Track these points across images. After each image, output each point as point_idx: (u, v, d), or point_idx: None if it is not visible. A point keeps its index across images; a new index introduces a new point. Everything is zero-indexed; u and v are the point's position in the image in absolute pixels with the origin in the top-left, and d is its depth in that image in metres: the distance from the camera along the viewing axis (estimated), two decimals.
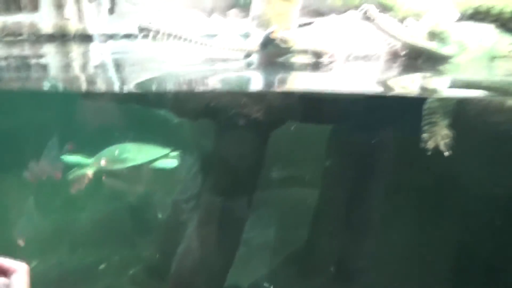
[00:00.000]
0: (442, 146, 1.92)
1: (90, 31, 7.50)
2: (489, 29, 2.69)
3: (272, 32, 1.88)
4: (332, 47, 2.14)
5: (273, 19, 2.74)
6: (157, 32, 1.63)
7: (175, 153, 3.06)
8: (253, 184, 2.55)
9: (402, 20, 2.91)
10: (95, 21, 7.60)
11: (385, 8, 2.95)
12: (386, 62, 2.48)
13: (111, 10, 8.27)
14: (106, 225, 3.59)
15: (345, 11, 3.07)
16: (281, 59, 2.01)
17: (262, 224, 3.24)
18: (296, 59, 2.03)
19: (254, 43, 1.93)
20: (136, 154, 3.05)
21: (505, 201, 1.65)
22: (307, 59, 2.06)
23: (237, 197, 2.60)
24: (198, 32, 1.81)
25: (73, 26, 7.38)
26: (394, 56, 2.56)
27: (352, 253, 2.82)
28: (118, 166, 3.08)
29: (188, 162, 2.98)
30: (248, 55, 1.99)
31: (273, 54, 1.97)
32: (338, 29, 2.37)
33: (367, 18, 1.98)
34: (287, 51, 1.97)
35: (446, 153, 1.88)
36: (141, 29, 1.61)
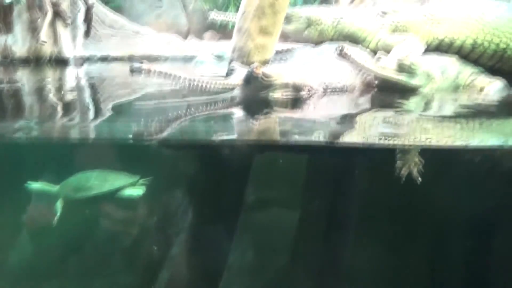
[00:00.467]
0: (414, 173, 2.05)
1: (65, 54, 7.43)
2: (452, 61, 2.91)
3: (255, 68, 1.99)
4: (311, 80, 2.26)
5: (253, 51, 2.87)
6: (149, 72, 1.70)
7: (142, 181, 3.02)
8: (236, 210, 2.61)
9: (373, 51, 3.11)
10: (71, 44, 7.55)
11: (357, 40, 3.15)
12: (360, 93, 2.63)
13: (87, 33, 8.24)
14: (76, 256, 3.48)
15: (320, 42, 3.25)
16: (263, 93, 2.11)
17: (243, 248, 3.27)
18: (278, 94, 2.13)
19: (237, 78, 2.02)
20: (102, 182, 2.99)
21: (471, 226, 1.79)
22: (288, 93, 2.17)
23: (221, 224, 2.65)
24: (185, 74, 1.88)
25: (48, 50, 7.29)
26: (368, 86, 2.73)
27: (331, 276, 2.89)
28: (83, 194, 3.02)
29: (175, 195, 3.00)
30: (232, 90, 2.08)
31: (256, 89, 2.07)
32: (316, 62, 2.51)
33: (342, 56, 2.12)
34: (269, 86, 2.08)
35: (419, 180, 2.01)
36: (133, 70, 1.67)
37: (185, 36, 11.12)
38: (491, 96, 2.73)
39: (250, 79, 2.01)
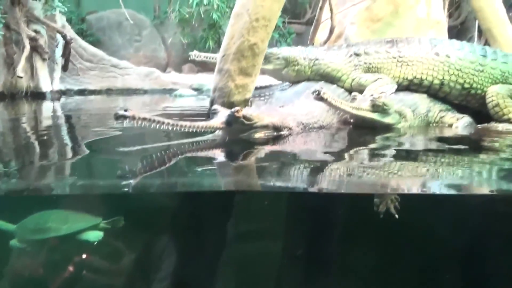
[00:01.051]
0: (392, 209, 2.12)
1: (42, 88, 7.35)
2: (423, 99, 3.08)
3: (236, 111, 2.05)
4: (290, 120, 2.34)
5: (234, 91, 2.96)
6: (133, 118, 1.73)
7: (105, 224, 2.87)
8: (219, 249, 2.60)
9: (348, 90, 3.26)
10: (48, 78, 7.49)
11: (332, 79, 3.30)
12: (337, 130, 2.74)
13: (65, 67, 8.19)
14: None
15: (298, 81, 3.38)
16: (244, 135, 2.16)
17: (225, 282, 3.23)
18: (259, 134, 2.20)
19: (219, 121, 2.08)
20: (61, 223, 2.82)
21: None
22: (269, 133, 2.24)
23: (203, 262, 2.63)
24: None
25: (24, 84, 7.20)
26: (344, 124, 2.84)
27: None
28: (40, 236, 2.84)
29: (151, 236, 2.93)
30: (214, 132, 2.13)
31: (238, 131, 2.13)
32: (295, 102, 2.61)
33: (319, 99, 2.22)
34: (250, 128, 2.14)
35: (396, 216, 2.08)
36: (117, 117, 1.70)
37: (164, 69, 11.26)
38: (459, 131, 2.89)
39: (232, 122, 2.07)
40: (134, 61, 9.61)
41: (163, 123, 1.83)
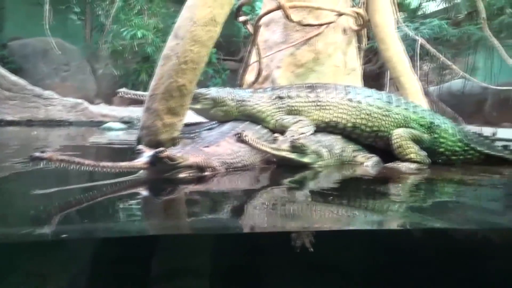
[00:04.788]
0: (307, 244, 2.28)
1: None
2: (338, 140, 3.39)
3: (160, 152, 2.10)
4: (214, 161, 2.44)
5: (161, 130, 3.01)
6: (50, 160, 1.70)
7: None
8: None
9: (272, 130, 3.47)
10: None
11: (257, 120, 3.50)
12: (261, 170, 2.89)
13: None
14: None
15: (226, 121, 3.53)
16: (168, 174, 2.21)
17: None
18: (183, 174, 2.26)
19: (143, 161, 2.11)
20: None
21: None
22: (193, 173, 2.31)
23: None
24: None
25: None
26: (268, 163, 3.01)
27: None
28: None
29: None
30: (137, 172, 2.15)
31: (162, 170, 2.17)
32: (220, 142, 2.72)
33: (241, 141, 2.36)
34: (174, 168, 2.20)
35: (311, 250, 2.23)
36: (33, 159, 1.66)
37: (93, 100, 10.88)
38: (369, 169, 3.21)
39: (156, 162, 2.11)
40: (60, 91, 9.18)
41: (83, 164, 1.82)
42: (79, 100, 8.86)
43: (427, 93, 10.71)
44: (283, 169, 2.91)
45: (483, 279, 1.87)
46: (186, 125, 3.59)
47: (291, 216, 1.89)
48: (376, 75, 11.55)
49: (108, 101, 11.26)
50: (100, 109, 9.34)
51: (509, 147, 3.81)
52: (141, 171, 2.15)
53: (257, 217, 1.85)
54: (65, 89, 10.39)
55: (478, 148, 3.57)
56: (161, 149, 2.10)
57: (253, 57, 4.78)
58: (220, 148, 2.60)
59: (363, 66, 6.05)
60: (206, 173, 2.37)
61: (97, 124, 8.10)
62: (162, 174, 2.18)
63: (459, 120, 10.35)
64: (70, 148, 4.22)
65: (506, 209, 2.32)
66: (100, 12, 11.70)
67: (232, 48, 14.08)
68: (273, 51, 4.68)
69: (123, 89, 3.47)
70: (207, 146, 2.57)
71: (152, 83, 3.05)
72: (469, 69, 14.07)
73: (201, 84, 3.63)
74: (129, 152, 3.38)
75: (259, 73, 4.64)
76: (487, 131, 8.29)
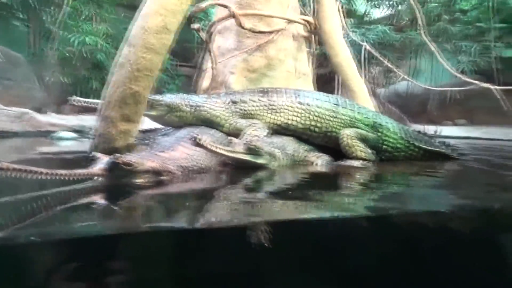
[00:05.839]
0: (262, 240, 2.40)
1: None
2: (290, 141, 3.56)
3: (116, 159, 2.14)
4: (170, 165, 2.51)
5: (116, 137, 3.02)
6: (6, 170, 1.68)
7: None
8: None
9: (227, 133, 3.58)
10: None
11: (212, 124, 3.60)
12: (218, 172, 2.98)
13: None
14: None
15: (181, 126, 3.59)
16: (125, 180, 2.25)
17: None
18: (139, 180, 2.30)
19: (98, 168, 2.13)
20: None
21: None
22: (150, 178, 2.36)
23: None
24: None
25: None
26: (224, 166, 3.11)
27: None
28: None
29: None
30: (92, 179, 2.16)
31: (118, 176, 2.20)
32: (176, 147, 2.79)
33: (197, 144, 2.45)
34: (130, 173, 2.24)
35: (267, 245, 2.35)
36: None
37: (41, 109, 10.38)
38: (318, 168, 3.40)
39: (112, 168, 2.14)
40: (4, 101, 8.72)
41: (39, 173, 1.82)
42: (25, 110, 8.45)
43: (375, 95, 11.34)
44: (239, 171, 3.02)
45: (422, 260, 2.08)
46: (142, 131, 3.61)
47: (243, 211, 1.99)
48: (327, 78, 12.03)
49: (58, 110, 10.81)
50: (49, 118, 8.96)
51: (447, 143, 4.17)
52: (98, 178, 2.17)
53: (214, 213, 1.93)
54: (10, 99, 9.85)
55: (418, 145, 3.89)
56: (117, 155, 2.14)
57: (208, 63, 4.87)
58: (175, 152, 2.66)
59: (315, 70, 6.34)
60: (163, 177, 2.42)
61: (45, 134, 7.77)
62: (119, 180, 2.22)
63: (404, 120, 11.02)
64: (20, 160, 4.07)
65: (435, 196, 2.59)
66: (46, 18, 11.25)
67: (186, 54, 14.05)
68: (227, 57, 4.80)
69: (75, 97, 3.43)
70: (163, 151, 2.62)
71: (107, 90, 3.05)
72: (412, 71, 15.04)
73: (157, 90, 3.67)
74: (83, 161, 3.35)
75: (213, 79, 4.74)
76: (430, 129, 8.94)
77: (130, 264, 1.71)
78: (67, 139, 7.06)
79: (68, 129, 8.15)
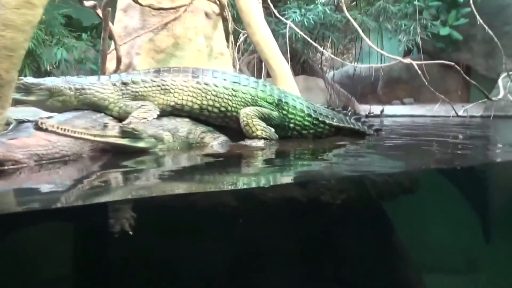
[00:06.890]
0: (126, 228, 2.22)
1: None
2: (184, 122, 3.37)
3: None
4: (17, 153, 2.25)
5: None
6: None
7: None
8: None
9: (117, 118, 3.33)
10: None
11: (100, 108, 3.33)
12: (92, 158, 2.76)
13: None
14: None
15: (65, 111, 3.30)
16: None
17: None
18: None
19: None
20: None
21: None
22: None
23: None
24: None
25: None
26: (102, 152, 2.89)
27: None
28: None
29: None
30: None
31: None
32: (34, 133, 2.52)
33: (39, 129, 2.20)
34: None
35: (130, 232, 2.18)
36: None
37: None
38: (214, 148, 3.25)
39: None
40: None
41: None
42: None
43: (323, 77, 11.37)
44: (118, 157, 2.81)
45: None
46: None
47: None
48: (258, 60, 11.85)
49: None
50: None
51: (364, 121, 4.15)
52: None
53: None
54: None
55: (328, 122, 3.82)
56: None
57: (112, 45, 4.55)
58: (31, 139, 2.41)
59: (235, 49, 6.14)
60: (4, 167, 2.17)
61: None
62: None
63: (352, 101, 11.10)
64: None
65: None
66: None
67: None
68: (132, 37, 4.50)
69: None
70: (14, 138, 2.36)
71: None
72: (362, 53, 15.17)
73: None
74: None
75: (118, 61, 4.43)
76: (376, 109, 9.10)
77: None
78: None
79: None
